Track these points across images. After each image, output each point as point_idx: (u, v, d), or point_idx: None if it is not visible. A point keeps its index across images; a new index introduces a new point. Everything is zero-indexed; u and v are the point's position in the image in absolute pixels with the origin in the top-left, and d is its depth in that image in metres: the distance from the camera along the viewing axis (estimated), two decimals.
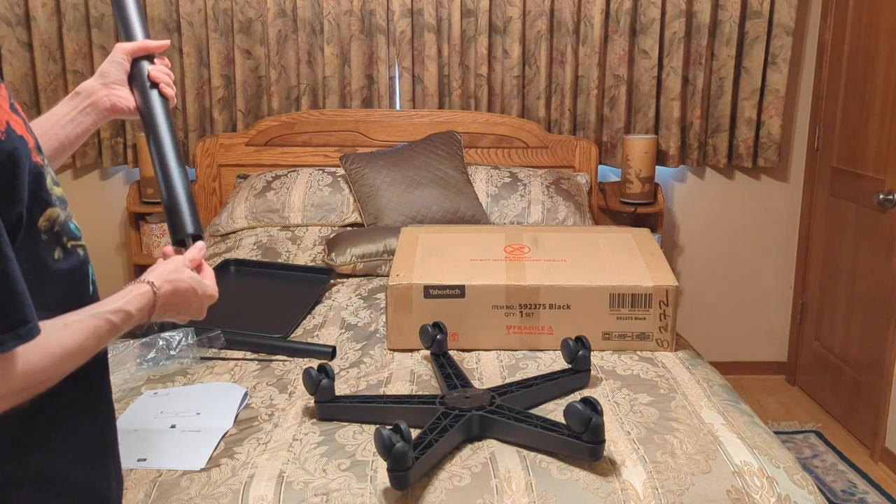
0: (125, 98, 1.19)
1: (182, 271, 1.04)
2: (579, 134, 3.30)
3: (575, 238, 2.14)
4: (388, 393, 1.67)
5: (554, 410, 1.58)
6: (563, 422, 1.38)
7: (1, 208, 0.79)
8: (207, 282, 1.08)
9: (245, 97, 3.18)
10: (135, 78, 1.21)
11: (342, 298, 2.27)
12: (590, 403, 1.35)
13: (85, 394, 0.93)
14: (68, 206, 0.94)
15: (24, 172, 0.81)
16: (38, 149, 0.88)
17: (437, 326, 1.82)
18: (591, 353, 1.84)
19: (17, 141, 0.80)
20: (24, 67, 3.10)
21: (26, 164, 0.82)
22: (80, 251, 0.93)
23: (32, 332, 0.80)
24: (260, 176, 2.99)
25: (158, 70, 1.21)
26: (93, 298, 0.94)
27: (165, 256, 1.07)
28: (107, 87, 1.18)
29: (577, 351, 1.69)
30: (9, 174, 0.79)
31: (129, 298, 0.94)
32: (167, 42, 1.28)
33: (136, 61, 1.21)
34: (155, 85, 1.21)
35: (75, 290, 0.91)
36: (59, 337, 0.84)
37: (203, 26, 3.12)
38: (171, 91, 1.22)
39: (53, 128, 1.14)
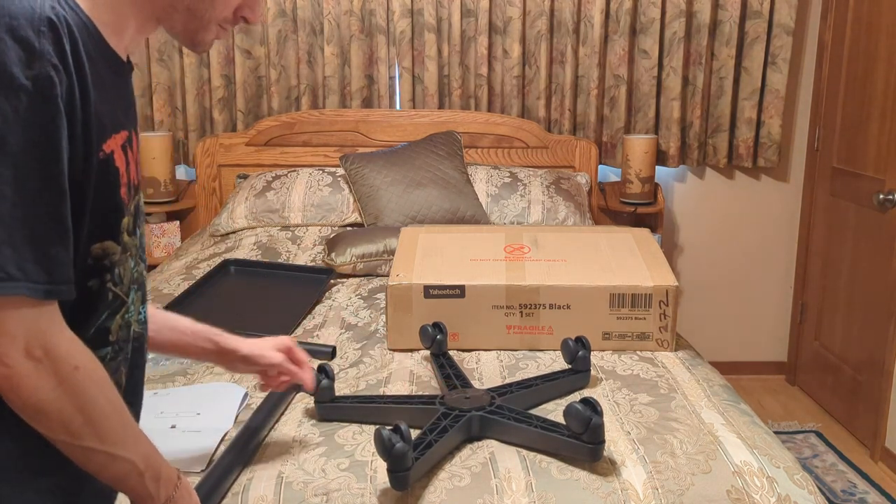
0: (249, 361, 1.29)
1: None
2: (579, 134, 3.30)
3: (575, 238, 2.14)
4: (388, 393, 1.67)
5: (554, 410, 1.58)
6: (563, 422, 1.38)
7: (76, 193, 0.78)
8: None
9: (245, 97, 3.18)
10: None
11: (342, 298, 2.27)
12: (590, 404, 1.34)
13: None
14: (143, 270, 0.91)
15: (90, 188, 0.80)
16: (133, 190, 0.87)
17: (437, 326, 1.82)
18: (591, 353, 1.84)
19: (111, 169, 0.82)
20: None
21: (103, 186, 0.82)
22: (122, 311, 0.88)
23: (61, 293, 0.74)
24: (260, 176, 2.99)
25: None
26: (112, 355, 0.89)
27: None
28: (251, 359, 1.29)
29: (577, 351, 1.69)
30: (95, 181, 0.80)
31: (162, 462, 0.93)
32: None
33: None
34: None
35: (92, 330, 0.85)
36: (96, 366, 0.80)
37: None
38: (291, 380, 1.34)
39: (181, 329, 1.22)
